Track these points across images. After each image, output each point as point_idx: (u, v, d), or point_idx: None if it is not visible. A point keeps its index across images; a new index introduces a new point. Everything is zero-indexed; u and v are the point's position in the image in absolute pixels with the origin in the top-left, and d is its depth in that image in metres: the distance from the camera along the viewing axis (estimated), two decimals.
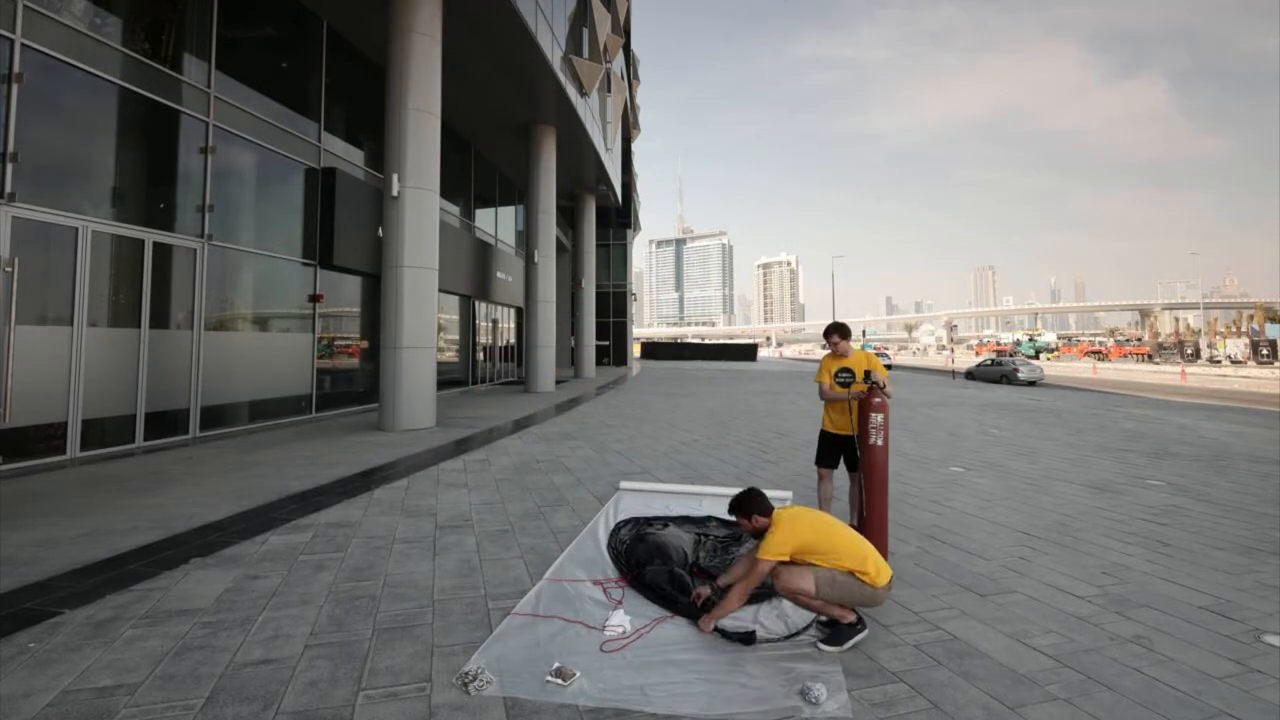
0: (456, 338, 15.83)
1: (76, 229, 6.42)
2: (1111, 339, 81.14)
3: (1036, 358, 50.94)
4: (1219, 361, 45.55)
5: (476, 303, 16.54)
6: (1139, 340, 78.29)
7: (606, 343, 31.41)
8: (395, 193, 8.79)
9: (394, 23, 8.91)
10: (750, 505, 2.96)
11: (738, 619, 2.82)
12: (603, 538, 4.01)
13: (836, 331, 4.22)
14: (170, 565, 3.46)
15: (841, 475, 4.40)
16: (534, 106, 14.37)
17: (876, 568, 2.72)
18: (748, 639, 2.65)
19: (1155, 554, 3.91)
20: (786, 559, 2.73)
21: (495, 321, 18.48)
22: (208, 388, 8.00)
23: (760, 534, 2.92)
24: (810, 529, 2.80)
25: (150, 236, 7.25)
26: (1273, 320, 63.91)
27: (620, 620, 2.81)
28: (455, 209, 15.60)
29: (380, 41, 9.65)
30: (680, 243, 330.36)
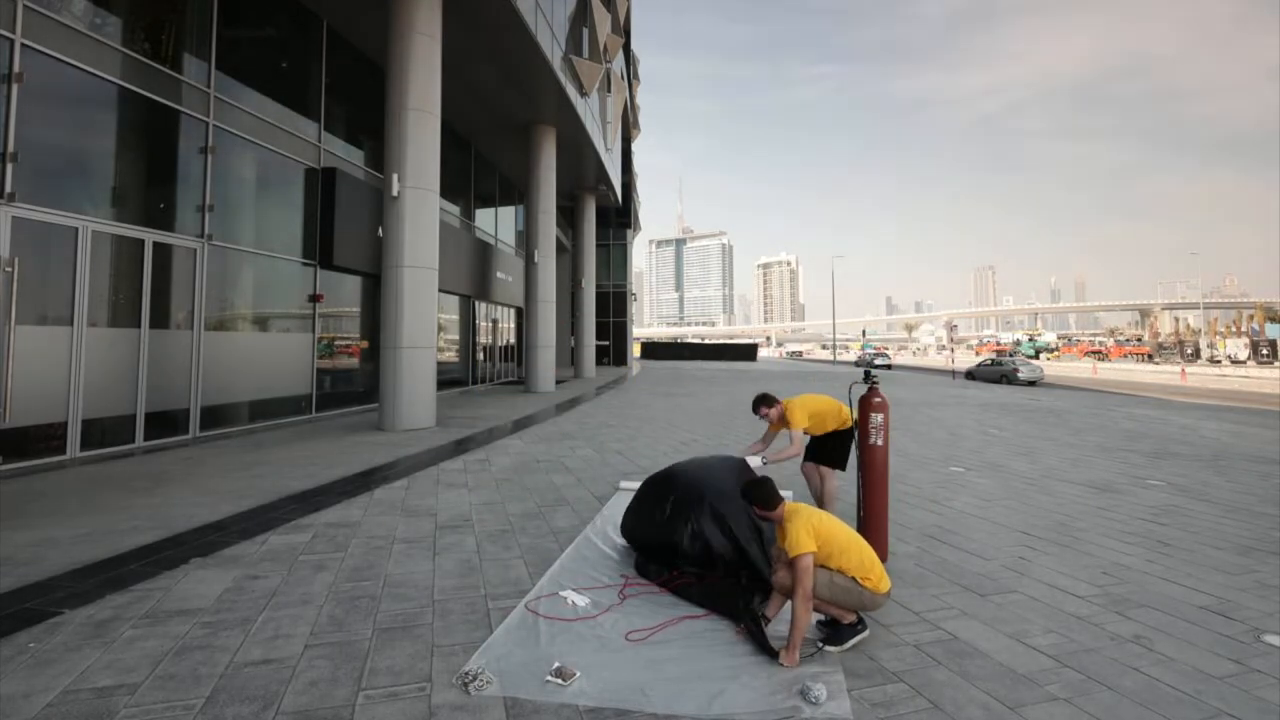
0: (456, 338, 15.84)
1: (76, 229, 6.41)
2: (1111, 339, 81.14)
3: (1036, 358, 50.97)
4: (1219, 361, 45.59)
5: (476, 303, 16.54)
6: (1139, 340, 78.27)
7: (606, 343, 31.42)
8: (395, 193, 8.79)
9: (394, 23, 8.91)
10: (755, 493, 2.87)
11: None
12: (610, 537, 4.01)
13: (765, 404, 4.28)
14: (170, 565, 3.46)
15: (844, 476, 4.40)
16: (534, 107, 14.37)
17: (879, 575, 2.70)
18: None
19: (1155, 554, 3.91)
20: (815, 548, 2.62)
21: (495, 321, 18.49)
22: (208, 388, 8.00)
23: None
24: (819, 515, 2.77)
25: (150, 236, 7.25)
26: (1273, 320, 63.89)
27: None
28: (455, 209, 15.60)
29: (380, 41, 9.65)
30: (680, 243, 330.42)
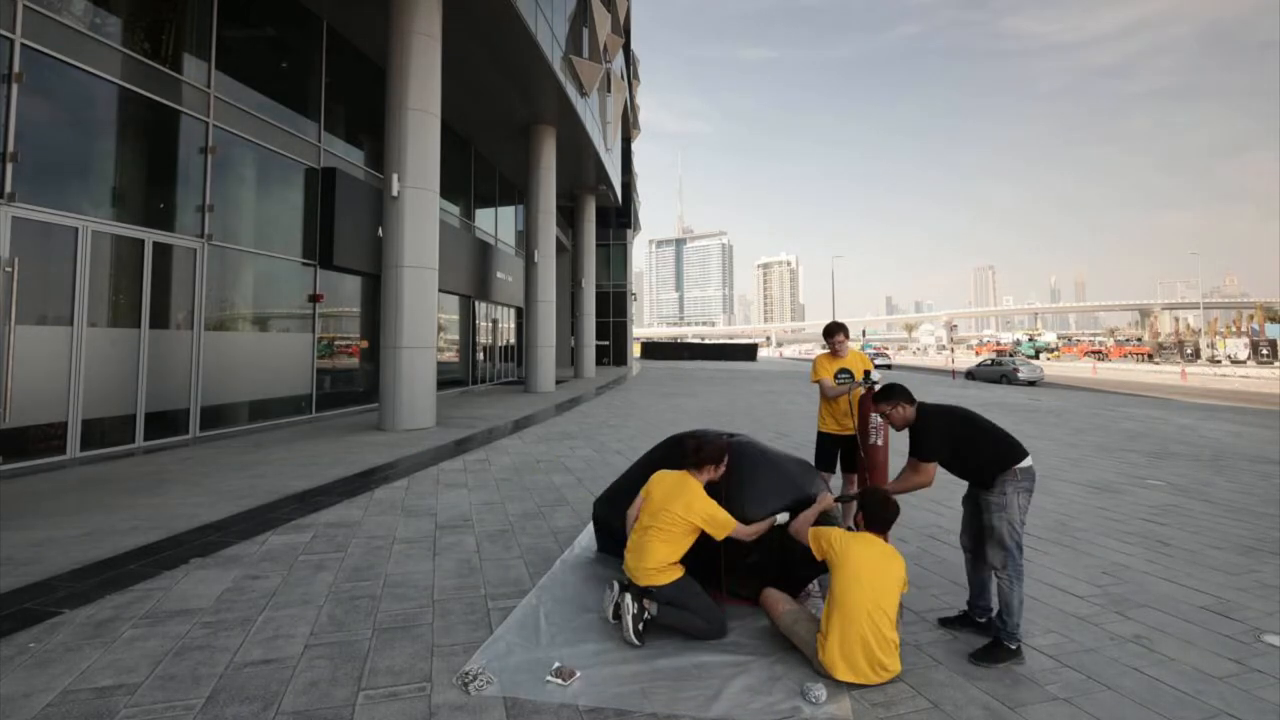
0: (456, 338, 15.83)
1: (76, 229, 6.41)
2: (1111, 339, 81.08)
3: (1036, 358, 50.91)
4: (1219, 361, 45.55)
5: (476, 303, 16.54)
6: (1139, 340, 78.24)
7: (606, 343, 31.42)
8: (395, 193, 8.79)
9: (394, 23, 8.91)
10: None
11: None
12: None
13: (841, 331, 4.29)
14: (170, 565, 3.46)
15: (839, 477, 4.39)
16: (534, 107, 14.37)
17: (844, 658, 2.34)
18: None
19: (1155, 554, 3.91)
20: (821, 559, 2.59)
21: (495, 321, 18.49)
22: (208, 388, 8.00)
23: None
24: (862, 552, 2.48)
25: (150, 236, 7.25)
26: (1272, 320, 63.87)
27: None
28: (455, 209, 15.60)
29: (380, 41, 9.65)
30: (680, 243, 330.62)
